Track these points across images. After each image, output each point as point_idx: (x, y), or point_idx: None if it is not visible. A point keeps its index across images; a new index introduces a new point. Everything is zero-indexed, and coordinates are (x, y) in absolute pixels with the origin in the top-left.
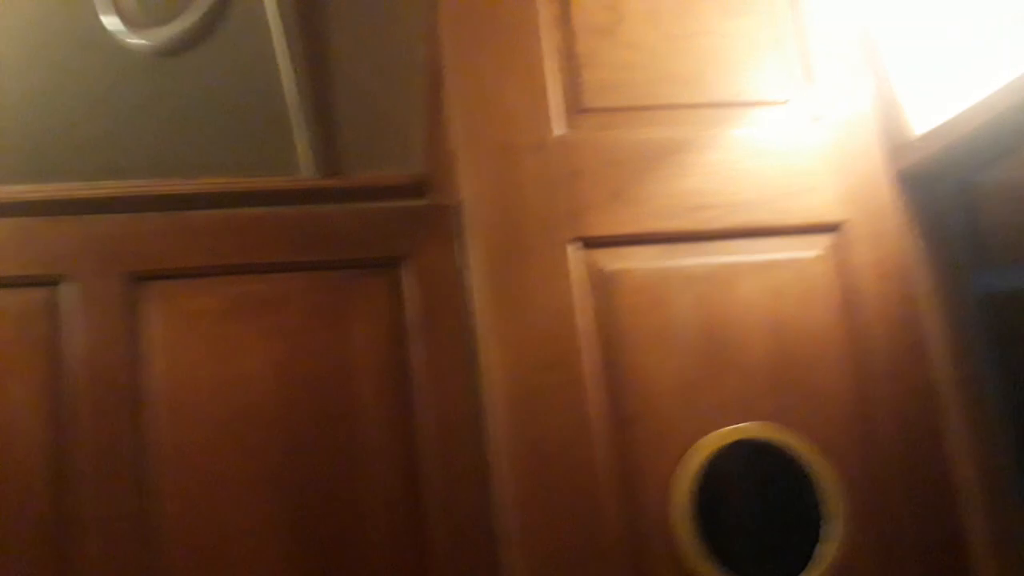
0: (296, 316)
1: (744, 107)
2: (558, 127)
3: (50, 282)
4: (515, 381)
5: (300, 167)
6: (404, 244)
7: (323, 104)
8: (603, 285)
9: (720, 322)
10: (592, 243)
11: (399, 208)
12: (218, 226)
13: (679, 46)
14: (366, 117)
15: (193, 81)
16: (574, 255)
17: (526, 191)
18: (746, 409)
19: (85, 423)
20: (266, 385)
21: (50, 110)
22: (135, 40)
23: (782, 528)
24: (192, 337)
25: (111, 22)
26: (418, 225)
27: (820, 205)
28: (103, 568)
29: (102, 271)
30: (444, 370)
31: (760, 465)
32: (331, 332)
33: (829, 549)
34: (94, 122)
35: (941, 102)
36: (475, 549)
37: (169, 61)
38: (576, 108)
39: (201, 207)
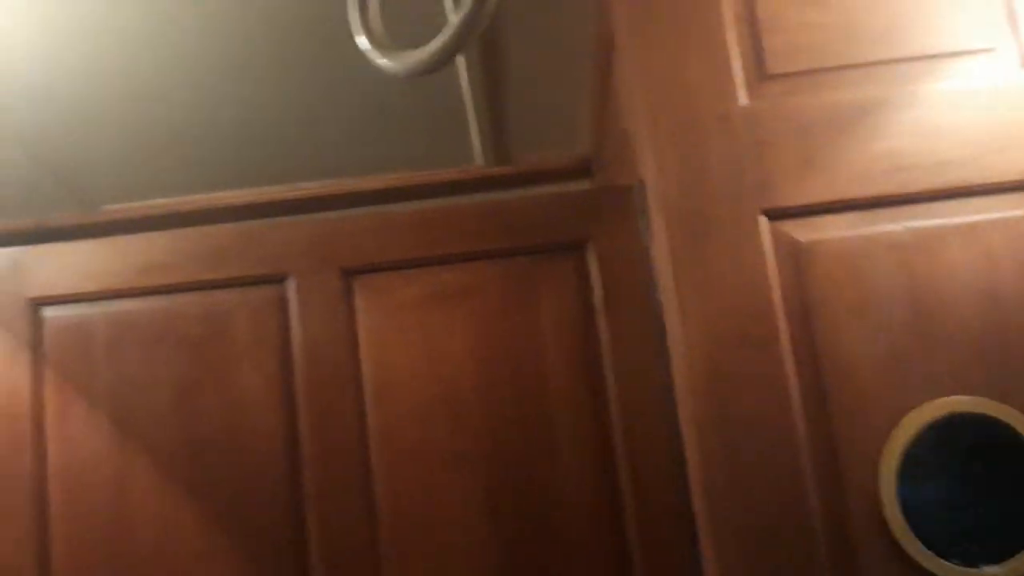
0: (490, 302)
1: (943, 59)
2: (742, 96)
3: (277, 279)
4: (705, 357)
5: (474, 157)
6: (586, 226)
7: (494, 94)
8: (796, 256)
9: (926, 290)
10: (783, 214)
11: (578, 192)
12: (414, 221)
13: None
14: (532, 103)
15: (374, 81)
16: (764, 227)
17: (711, 165)
18: (957, 382)
19: (311, 407)
20: (466, 367)
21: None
22: (383, 61)
23: (998, 506)
24: (399, 325)
25: (362, 42)
26: (598, 207)
27: None
28: (329, 537)
29: (319, 267)
30: (632, 348)
31: (973, 440)
32: (523, 315)
33: None
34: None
35: None
36: (670, 523)
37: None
38: (760, 75)
39: (393, 200)
